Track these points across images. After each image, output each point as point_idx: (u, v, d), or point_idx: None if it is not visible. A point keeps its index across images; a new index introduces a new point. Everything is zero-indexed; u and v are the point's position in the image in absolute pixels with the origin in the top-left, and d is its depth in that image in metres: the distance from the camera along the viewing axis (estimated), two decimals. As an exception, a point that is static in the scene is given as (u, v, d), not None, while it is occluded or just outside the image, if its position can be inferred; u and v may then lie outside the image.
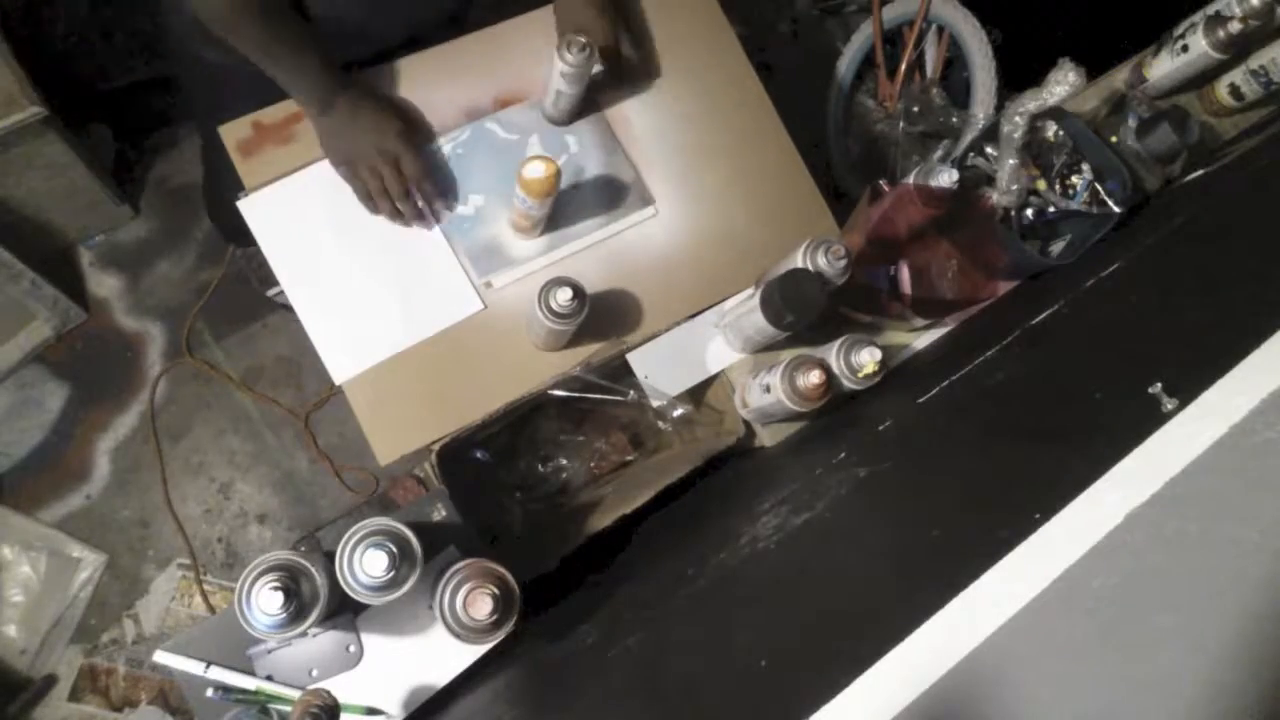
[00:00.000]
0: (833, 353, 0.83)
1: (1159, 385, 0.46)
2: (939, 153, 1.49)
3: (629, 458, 1.07)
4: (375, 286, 0.90)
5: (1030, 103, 0.81)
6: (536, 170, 0.79)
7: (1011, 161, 0.84)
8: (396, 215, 0.89)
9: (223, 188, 1.25)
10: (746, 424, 0.94)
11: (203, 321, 1.48)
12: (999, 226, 0.88)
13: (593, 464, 1.06)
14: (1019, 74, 1.39)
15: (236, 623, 0.62)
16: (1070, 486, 0.43)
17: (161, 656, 0.72)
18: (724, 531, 0.80)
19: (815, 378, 0.78)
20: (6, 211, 1.33)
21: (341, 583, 0.63)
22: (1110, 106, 1.01)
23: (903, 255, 0.90)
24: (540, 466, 1.05)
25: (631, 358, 0.91)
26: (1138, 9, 1.07)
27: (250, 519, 1.43)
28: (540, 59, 0.94)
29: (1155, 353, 0.57)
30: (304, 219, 0.89)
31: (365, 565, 0.63)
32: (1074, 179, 0.89)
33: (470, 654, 0.74)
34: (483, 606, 0.64)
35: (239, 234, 1.36)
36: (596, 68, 0.91)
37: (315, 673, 0.73)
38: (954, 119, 1.44)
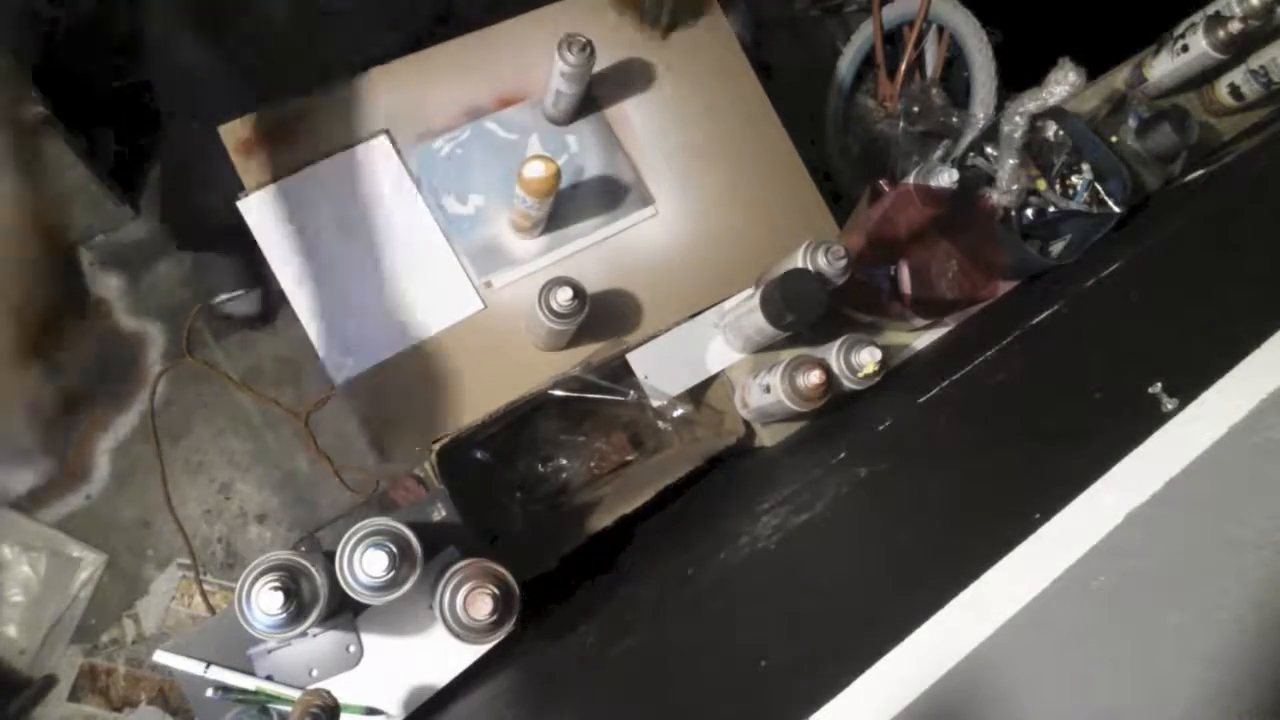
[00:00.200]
0: (833, 353, 0.83)
1: (1159, 385, 0.46)
2: (939, 153, 1.49)
3: (629, 458, 1.07)
4: (375, 287, 0.89)
5: (1030, 103, 0.81)
6: (536, 170, 0.79)
7: (1011, 161, 0.84)
8: None
9: (182, 190, 1.25)
10: (746, 424, 0.94)
11: (203, 321, 1.48)
12: (999, 226, 0.88)
13: (593, 464, 1.06)
14: (1019, 74, 1.39)
15: (236, 623, 0.62)
16: (1070, 486, 0.43)
17: (161, 656, 0.72)
18: (724, 531, 0.80)
19: (815, 378, 0.78)
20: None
21: (341, 583, 0.63)
22: (1110, 106, 1.00)
23: (903, 255, 0.90)
24: (540, 466, 1.05)
25: (631, 358, 0.90)
26: (1138, 9, 1.07)
27: (250, 519, 1.43)
28: (540, 59, 0.94)
29: (1155, 353, 0.57)
30: (304, 219, 0.89)
31: (365, 565, 0.62)
32: (1074, 179, 0.89)
33: (470, 654, 0.74)
34: (483, 606, 0.64)
35: (187, 237, 1.36)
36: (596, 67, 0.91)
37: (315, 673, 0.73)
38: (954, 119, 1.44)
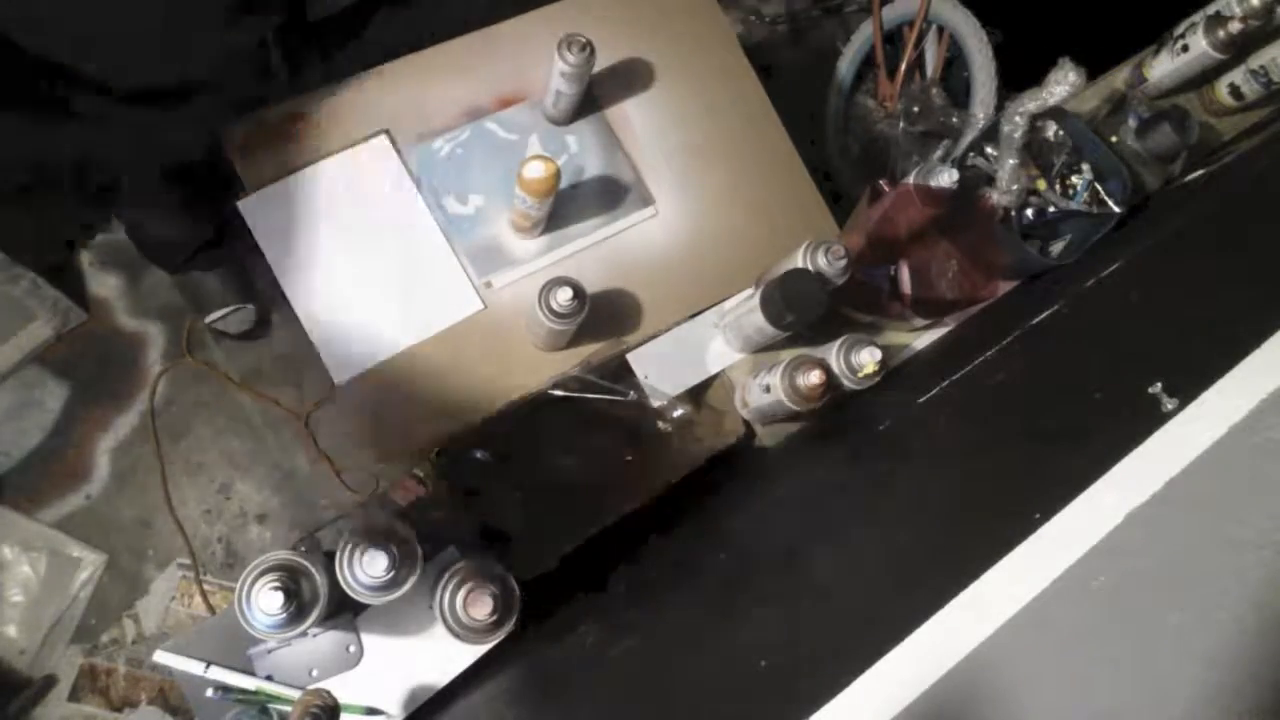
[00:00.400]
0: (833, 353, 0.83)
1: (1159, 385, 0.46)
2: (939, 153, 1.49)
3: (629, 458, 1.07)
4: (375, 286, 0.89)
5: (1030, 103, 0.81)
6: (536, 170, 0.79)
7: (1011, 161, 0.84)
8: None
9: (148, 227, 1.25)
10: (746, 424, 0.94)
11: (203, 321, 1.48)
12: (999, 226, 0.88)
13: (593, 464, 1.06)
14: (1019, 74, 1.39)
15: (236, 623, 0.62)
16: (1070, 486, 0.43)
17: (161, 656, 0.72)
18: (724, 531, 0.80)
19: (815, 378, 0.78)
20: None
21: (341, 583, 0.63)
22: (1110, 106, 1.01)
23: (903, 255, 0.90)
24: (540, 467, 1.05)
25: (631, 358, 0.91)
26: (1138, 9, 1.07)
27: (250, 519, 1.43)
28: (540, 59, 0.94)
29: (1155, 353, 0.57)
30: (304, 219, 0.89)
31: (365, 565, 0.63)
32: (1074, 179, 0.89)
33: (470, 654, 0.74)
34: (483, 606, 0.64)
35: (175, 263, 1.36)
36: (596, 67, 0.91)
37: (315, 673, 0.73)
38: (954, 119, 1.44)
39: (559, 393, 0.90)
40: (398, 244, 0.91)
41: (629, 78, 1.00)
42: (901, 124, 1.51)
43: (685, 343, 0.93)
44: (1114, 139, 0.94)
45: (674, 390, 0.91)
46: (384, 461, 0.87)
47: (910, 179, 0.86)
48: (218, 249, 1.34)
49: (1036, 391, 0.65)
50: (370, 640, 0.74)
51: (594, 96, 0.97)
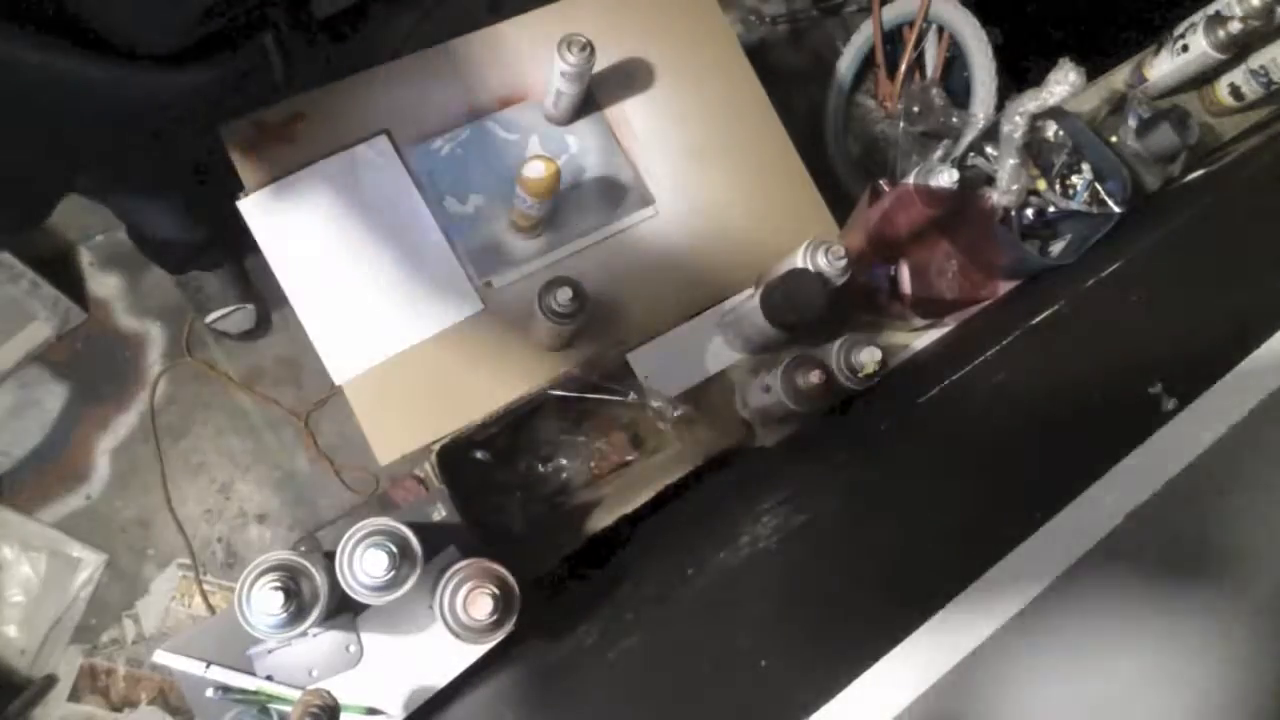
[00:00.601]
0: (833, 353, 0.82)
1: (1159, 385, 0.46)
2: (939, 153, 1.49)
3: (629, 458, 1.07)
4: (375, 286, 0.89)
5: (1030, 103, 0.81)
6: (536, 170, 0.79)
7: (1011, 161, 0.84)
8: None
9: (148, 227, 1.25)
10: (746, 424, 0.94)
11: (203, 321, 1.48)
12: (999, 226, 0.88)
13: (593, 464, 1.06)
14: (1019, 74, 1.39)
15: (236, 623, 0.62)
16: (1070, 486, 0.43)
17: (161, 656, 0.72)
18: (724, 531, 0.80)
19: (815, 378, 0.78)
20: (6, 211, 1.33)
21: (341, 583, 0.63)
22: (1110, 106, 1.01)
23: (903, 255, 0.90)
24: (540, 466, 1.05)
25: (631, 358, 0.91)
26: (1138, 9, 1.07)
27: (250, 519, 1.43)
28: (540, 59, 0.94)
29: (1155, 353, 0.57)
30: (304, 219, 0.89)
31: (365, 565, 0.62)
32: (1074, 179, 0.89)
33: (470, 654, 0.74)
34: (483, 606, 0.64)
35: (175, 263, 1.36)
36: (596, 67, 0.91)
37: (315, 673, 0.73)
38: (954, 119, 1.44)
39: (559, 393, 0.90)
40: (398, 244, 0.91)
41: (629, 78, 1.00)
42: (901, 124, 1.51)
43: (685, 343, 0.93)
44: (1114, 139, 0.94)
45: (674, 390, 0.91)
46: (384, 461, 0.87)
47: (910, 179, 0.86)
48: (218, 249, 1.34)
49: (1036, 391, 0.65)
50: (370, 640, 0.74)
51: (594, 96, 0.97)
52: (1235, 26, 0.89)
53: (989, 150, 0.92)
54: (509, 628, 0.67)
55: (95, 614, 1.35)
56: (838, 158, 1.66)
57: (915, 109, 1.49)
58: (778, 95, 1.04)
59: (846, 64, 1.64)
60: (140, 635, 1.36)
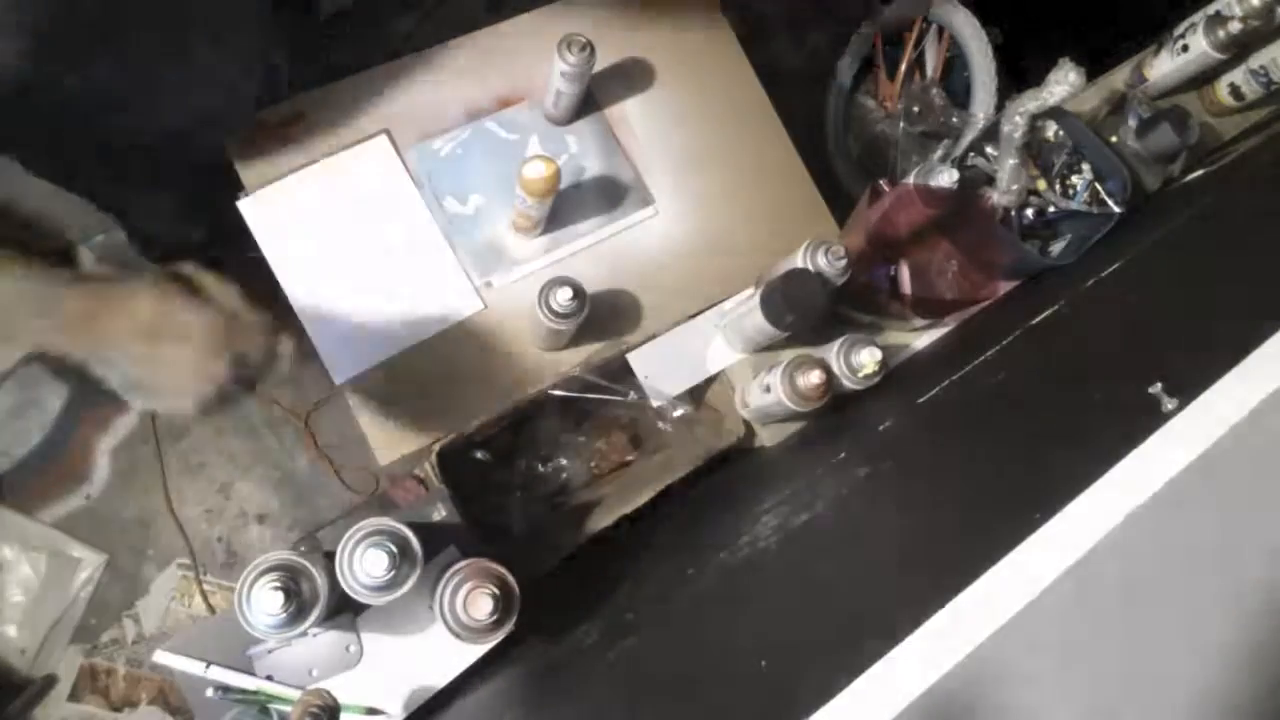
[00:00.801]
0: (833, 353, 0.83)
1: (1159, 385, 0.46)
2: (939, 153, 1.49)
3: (629, 458, 1.07)
4: (375, 286, 0.89)
5: (1030, 103, 0.81)
6: (536, 170, 0.79)
7: (1011, 161, 0.84)
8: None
9: (148, 227, 1.25)
10: (746, 424, 0.94)
11: (203, 321, 1.48)
12: (999, 226, 0.88)
13: (593, 464, 1.06)
14: (1019, 74, 1.39)
15: (236, 623, 0.62)
16: (1070, 486, 0.43)
17: (161, 656, 0.72)
18: (724, 531, 0.80)
19: (815, 378, 0.78)
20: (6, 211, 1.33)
21: (341, 583, 0.63)
22: (1110, 106, 1.00)
23: (903, 255, 0.90)
24: (540, 466, 1.05)
25: (631, 358, 0.90)
26: (1138, 9, 1.07)
27: (250, 519, 1.42)
28: (540, 59, 0.94)
29: (1155, 353, 0.57)
30: (304, 219, 0.89)
31: (365, 565, 0.62)
32: (1074, 179, 0.89)
33: (470, 654, 0.74)
34: (483, 606, 0.64)
35: (174, 262, 1.36)
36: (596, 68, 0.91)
37: (315, 673, 0.73)
38: (954, 119, 1.44)
39: (559, 393, 0.90)
40: (398, 244, 0.91)
41: (629, 78, 1.00)
42: (901, 124, 1.51)
43: (685, 343, 0.93)
44: (1114, 139, 0.94)
45: (674, 390, 0.91)
46: (384, 461, 0.87)
47: (910, 179, 0.86)
48: (217, 249, 1.34)
49: (1036, 391, 0.65)
50: (370, 640, 0.74)
51: (594, 96, 0.97)
52: (1235, 26, 0.89)
53: (989, 150, 0.92)
54: (509, 628, 0.67)
55: (95, 614, 1.35)
56: (838, 158, 1.65)
57: (915, 109, 1.49)
58: (778, 95, 1.04)
59: (846, 64, 1.64)
60: (140, 635, 1.36)
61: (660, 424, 0.96)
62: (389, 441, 0.87)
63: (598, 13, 1.00)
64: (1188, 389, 0.44)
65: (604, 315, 0.91)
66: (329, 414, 1.47)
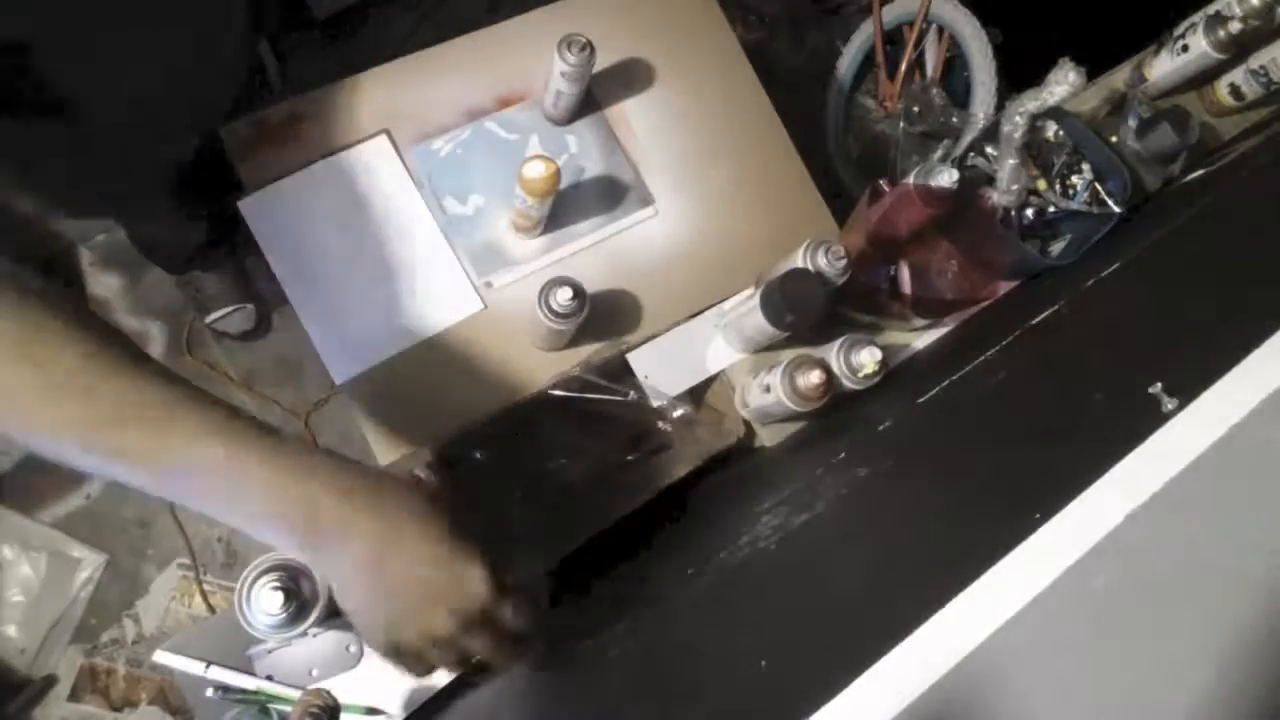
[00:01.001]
0: (833, 353, 0.83)
1: (1159, 385, 0.46)
2: (939, 153, 1.49)
3: (629, 458, 1.07)
4: (375, 287, 0.90)
5: (1030, 103, 0.81)
6: (536, 170, 0.79)
7: (1011, 161, 0.84)
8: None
9: (148, 228, 1.25)
10: (746, 424, 0.94)
11: (203, 321, 1.48)
12: (999, 226, 0.88)
13: (593, 464, 1.06)
14: (1019, 74, 1.39)
15: (236, 623, 0.62)
16: (1070, 486, 0.43)
17: (161, 656, 0.72)
18: (724, 531, 0.80)
19: (815, 378, 0.78)
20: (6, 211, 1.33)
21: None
22: (1110, 106, 1.01)
23: (903, 255, 0.90)
24: (540, 466, 1.05)
25: (631, 358, 0.91)
26: (1138, 9, 1.07)
27: (250, 519, 1.43)
28: (540, 59, 0.94)
29: (1155, 353, 0.57)
30: (304, 219, 0.89)
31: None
32: (1074, 179, 0.89)
33: (470, 654, 0.74)
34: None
35: (175, 263, 1.36)
36: (596, 68, 0.91)
37: (315, 673, 0.73)
38: (954, 119, 1.44)
39: (559, 393, 0.90)
40: (398, 244, 0.91)
41: (629, 78, 1.00)
42: (901, 124, 1.51)
43: (685, 343, 0.93)
44: (1114, 139, 0.94)
45: (674, 390, 0.91)
46: (384, 461, 0.87)
47: (910, 179, 0.86)
48: (218, 249, 1.34)
49: (1036, 391, 0.65)
50: (370, 640, 0.74)
51: (594, 96, 0.97)
52: (1235, 26, 0.89)
53: (989, 150, 0.92)
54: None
55: (95, 614, 1.36)
56: (838, 158, 1.66)
57: (915, 109, 1.49)
58: (778, 95, 1.04)
59: (846, 64, 1.65)
60: (140, 635, 1.36)
61: (660, 424, 0.96)
62: (389, 441, 0.87)
63: (598, 13, 1.00)
64: (1188, 389, 0.44)
65: (604, 315, 0.91)
66: (329, 414, 1.47)
